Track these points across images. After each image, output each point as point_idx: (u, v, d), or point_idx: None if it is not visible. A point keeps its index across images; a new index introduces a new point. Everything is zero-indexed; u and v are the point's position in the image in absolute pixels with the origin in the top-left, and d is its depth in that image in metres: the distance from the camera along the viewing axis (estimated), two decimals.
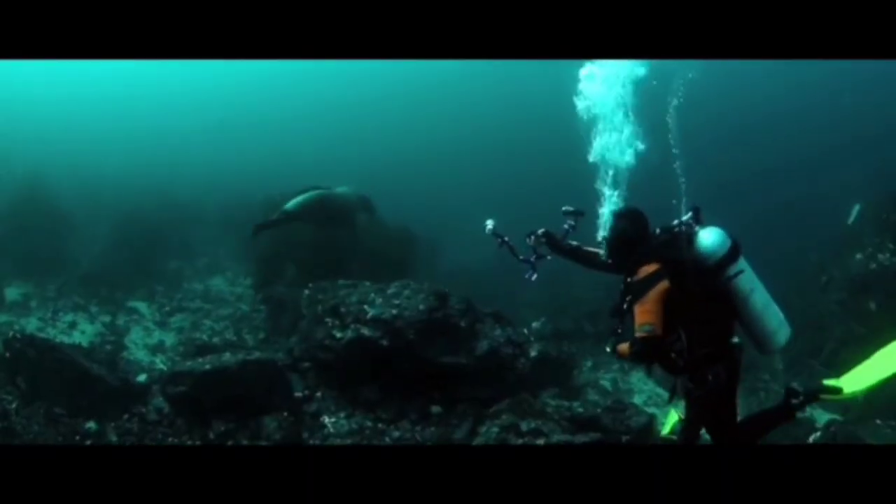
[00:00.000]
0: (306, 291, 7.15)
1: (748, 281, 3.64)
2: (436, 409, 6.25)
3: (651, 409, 8.11)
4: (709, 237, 3.59)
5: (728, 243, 3.60)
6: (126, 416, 6.17)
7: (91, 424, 5.92)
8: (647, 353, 3.49)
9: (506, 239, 4.15)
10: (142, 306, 11.24)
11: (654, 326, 3.38)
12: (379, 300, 6.30)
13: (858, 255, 11.32)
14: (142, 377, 7.31)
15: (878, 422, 10.10)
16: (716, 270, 3.57)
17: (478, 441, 5.80)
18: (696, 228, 3.65)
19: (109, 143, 22.27)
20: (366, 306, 6.29)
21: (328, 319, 6.55)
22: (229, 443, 5.78)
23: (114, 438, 5.90)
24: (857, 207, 12.41)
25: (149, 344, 10.13)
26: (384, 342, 6.06)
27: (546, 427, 5.82)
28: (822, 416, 10.11)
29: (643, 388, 8.14)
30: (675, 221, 3.72)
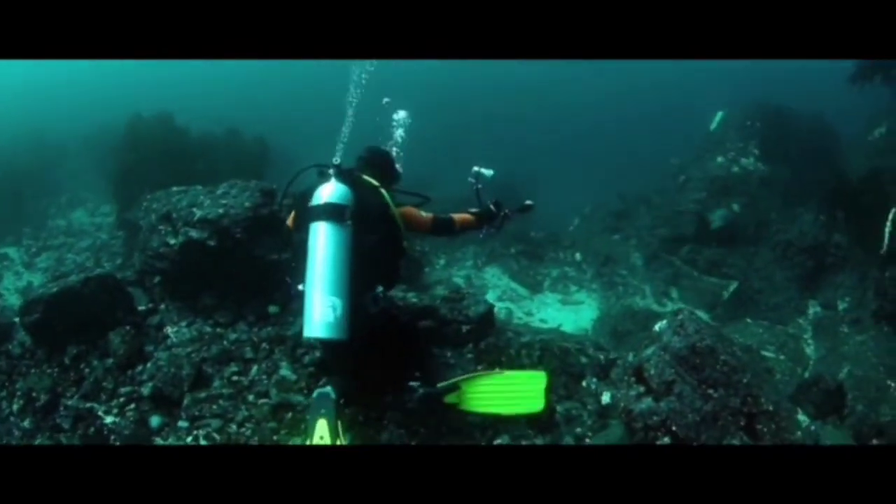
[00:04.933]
0: (143, 203, 6.91)
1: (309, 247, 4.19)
2: (273, 308, 6.23)
3: (505, 304, 8.30)
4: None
5: (304, 198, 4.42)
6: None
7: None
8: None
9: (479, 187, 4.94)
10: (11, 251, 10.87)
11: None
12: (207, 201, 6.15)
13: (720, 159, 11.77)
14: (16, 320, 7.06)
15: (749, 320, 10.71)
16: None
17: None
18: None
19: None
20: (195, 209, 6.14)
21: (161, 227, 6.37)
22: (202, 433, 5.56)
23: None
24: (720, 115, 12.80)
25: (19, 287, 9.86)
26: (211, 243, 5.94)
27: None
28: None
29: (497, 284, 8.27)
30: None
